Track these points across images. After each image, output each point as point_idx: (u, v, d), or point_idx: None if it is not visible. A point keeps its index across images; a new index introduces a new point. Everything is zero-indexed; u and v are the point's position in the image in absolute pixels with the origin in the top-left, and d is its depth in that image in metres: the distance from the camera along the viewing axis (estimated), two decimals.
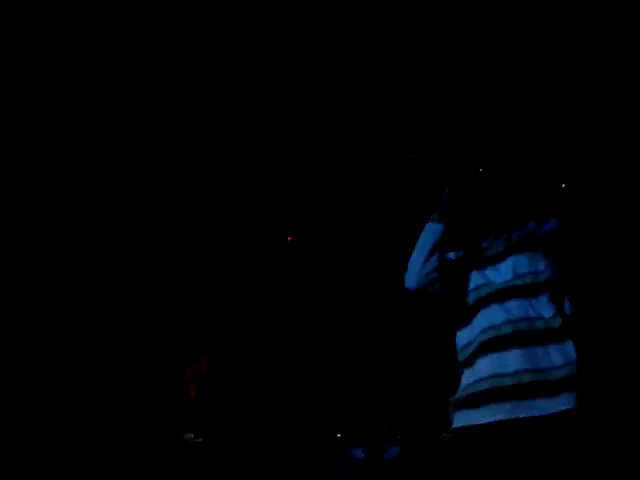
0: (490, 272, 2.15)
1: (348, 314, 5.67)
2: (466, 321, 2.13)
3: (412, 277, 2.24)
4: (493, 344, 1.98)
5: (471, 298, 2.15)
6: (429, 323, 5.10)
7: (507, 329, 1.98)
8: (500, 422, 1.90)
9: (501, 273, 2.12)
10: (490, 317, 2.03)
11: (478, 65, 4.27)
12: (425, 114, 4.74)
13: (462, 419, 2.03)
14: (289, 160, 5.17)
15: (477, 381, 1.99)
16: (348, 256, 5.74)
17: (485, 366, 1.98)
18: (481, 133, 4.70)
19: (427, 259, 2.20)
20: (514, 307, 2.01)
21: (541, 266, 2.07)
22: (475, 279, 2.18)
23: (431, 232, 2.26)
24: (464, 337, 2.12)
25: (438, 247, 2.22)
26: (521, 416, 1.87)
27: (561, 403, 1.87)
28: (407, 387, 5.45)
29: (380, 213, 5.56)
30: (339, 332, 5.58)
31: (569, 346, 1.96)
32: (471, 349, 2.05)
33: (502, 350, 1.96)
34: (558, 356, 1.93)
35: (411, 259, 2.27)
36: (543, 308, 2.00)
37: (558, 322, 1.98)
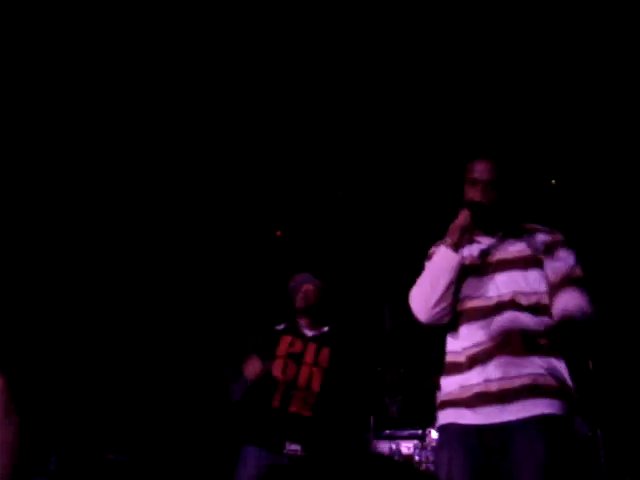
0: (480, 284, 2.08)
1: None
2: (454, 328, 2.12)
3: (423, 312, 2.08)
4: (479, 359, 2.01)
5: (462, 305, 2.10)
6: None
7: (490, 343, 2.00)
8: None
9: (493, 287, 2.06)
10: (474, 335, 2.04)
11: (471, 65, 4.29)
12: (417, 111, 4.76)
13: (448, 417, 2.06)
14: (281, 156, 5.18)
15: (464, 386, 2.02)
16: (340, 251, 5.76)
17: (472, 376, 2.01)
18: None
19: (442, 296, 2.04)
20: (497, 324, 2.01)
21: (526, 283, 2.03)
22: (471, 287, 2.10)
23: (447, 262, 2.05)
24: (451, 344, 2.13)
25: (453, 282, 2.04)
26: (505, 420, 1.91)
27: (535, 408, 1.91)
28: (393, 382, 5.45)
29: (370, 207, 5.58)
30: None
31: (550, 356, 1.98)
32: (459, 359, 2.07)
33: (487, 362, 1.99)
34: (538, 365, 1.96)
35: (421, 290, 2.09)
36: (527, 322, 2.00)
37: (539, 338, 1.99)
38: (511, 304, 2.02)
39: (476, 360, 2.01)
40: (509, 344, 1.98)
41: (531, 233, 2.13)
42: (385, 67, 4.35)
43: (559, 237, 2.12)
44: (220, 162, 5.17)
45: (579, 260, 2.08)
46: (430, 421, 4.80)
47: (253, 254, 5.50)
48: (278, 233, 5.73)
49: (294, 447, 2.96)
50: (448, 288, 2.05)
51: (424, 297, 2.08)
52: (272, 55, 4.29)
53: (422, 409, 5.10)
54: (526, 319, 2.00)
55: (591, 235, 4.97)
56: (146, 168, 5.12)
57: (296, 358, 3.10)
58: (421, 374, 5.52)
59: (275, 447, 2.96)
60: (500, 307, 2.03)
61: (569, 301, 1.97)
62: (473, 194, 2.10)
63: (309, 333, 3.22)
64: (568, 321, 1.95)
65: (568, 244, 2.11)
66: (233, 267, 5.23)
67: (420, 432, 4.76)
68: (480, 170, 2.11)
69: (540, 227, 2.16)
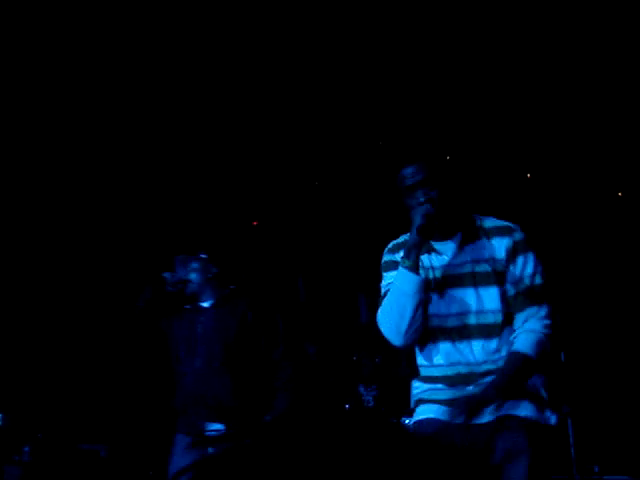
0: (443, 301, 2.03)
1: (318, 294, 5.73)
2: (424, 342, 2.08)
3: (396, 339, 2.02)
4: (456, 381, 2.02)
5: (430, 322, 2.04)
6: None
7: (464, 370, 2.01)
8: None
9: (455, 306, 2.01)
10: (446, 356, 2.03)
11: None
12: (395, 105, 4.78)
13: (426, 412, 2.09)
14: (259, 146, 5.18)
15: (442, 391, 2.05)
16: (316, 240, 5.78)
17: (451, 391, 2.03)
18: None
19: (412, 320, 1.97)
20: (467, 352, 2.01)
21: (495, 304, 1.99)
22: (435, 304, 2.03)
23: (410, 285, 1.96)
24: (421, 358, 2.11)
25: (421, 303, 1.96)
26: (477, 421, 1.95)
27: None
28: (369, 372, 5.50)
29: (348, 197, 5.61)
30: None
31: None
32: (433, 373, 2.08)
33: (466, 385, 2.00)
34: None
35: (389, 317, 2.01)
36: (495, 345, 1.98)
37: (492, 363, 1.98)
38: (473, 327, 1.99)
39: (454, 381, 2.02)
40: (484, 373, 1.98)
41: (489, 236, 2.03)
42: (357, 62, 4.38)
43: (518, 238, 2.01)
44: (197, 153, 5.15)
45: (539, 261, 2.00)
46: (405, 410, 4.86)
47: (230, 244, 5.48)
48: (254, 223, 5.73)
49: (216, 427, 2.83)
50: (417, 310, 1.98)
51: (394, 324, 2.01)
52: (245, 47, 4.28)
53: (397, 398, 5.16)
54: (492, 344, 1.98)
55: (564, 229, 5.06)
56: (121, 160, 5.08)
57: (196, 336, 2.99)
58: (396, 363, 5.57)
59: (197, 430, 2.84)
60: (464, 332, 2.00)
61: (527, 338, 1.94)
62: (416, 205, 2.00)
63: (207, 305, 3.10)
64: (522, 363, 1.92)
65: (527, 245, 2.01)
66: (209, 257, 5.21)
67: (395, 421, 4.81)
68: (411, 174, 2.02)
69: (499, 225, 2.05)
